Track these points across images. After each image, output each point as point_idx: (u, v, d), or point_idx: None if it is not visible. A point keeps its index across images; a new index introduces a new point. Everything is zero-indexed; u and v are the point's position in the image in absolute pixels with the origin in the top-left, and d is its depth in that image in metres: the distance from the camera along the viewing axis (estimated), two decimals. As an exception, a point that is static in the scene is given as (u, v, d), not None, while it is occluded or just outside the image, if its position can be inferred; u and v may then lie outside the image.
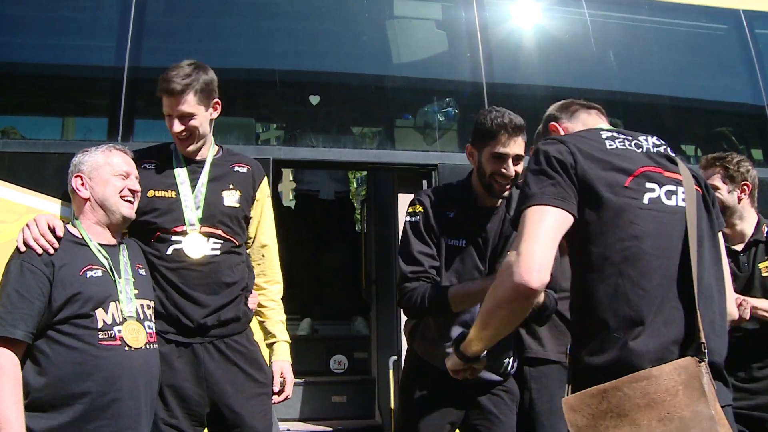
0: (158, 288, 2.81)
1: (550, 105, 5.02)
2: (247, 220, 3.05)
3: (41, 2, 4.48)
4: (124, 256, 2.68)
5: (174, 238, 2.84)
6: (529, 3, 5.15)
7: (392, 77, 4.96)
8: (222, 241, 2.91)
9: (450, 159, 4.38)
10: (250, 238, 3.11)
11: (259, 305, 3.13)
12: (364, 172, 8.86)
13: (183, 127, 2.86)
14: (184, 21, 4.64)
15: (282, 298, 3.25)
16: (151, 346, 2.64)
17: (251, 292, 3.05)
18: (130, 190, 2.69)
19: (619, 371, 1.81)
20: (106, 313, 2.51)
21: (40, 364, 2.43)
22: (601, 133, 2.12)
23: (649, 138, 2.15)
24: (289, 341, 3.19)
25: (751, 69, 5.26)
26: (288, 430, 4.79)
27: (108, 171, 2.67)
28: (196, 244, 2.85)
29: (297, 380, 3.49)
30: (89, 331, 2.47)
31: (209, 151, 3.01)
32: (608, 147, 2.05)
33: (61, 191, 3.75)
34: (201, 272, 2.85)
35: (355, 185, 15.76)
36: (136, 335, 2.56)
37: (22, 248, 2.47)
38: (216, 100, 2.95)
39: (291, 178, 7.38)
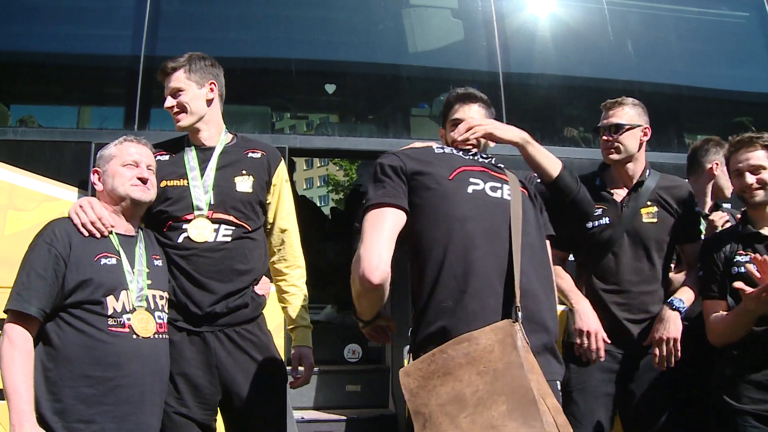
0: (171, 277, 2.83)
1: (566, 94, 5.01)
2: (263, 205, 3.04)
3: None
4: (140, 247, 2.72)
5: (185, 226, 2.87)
6: (545, -9, 5.11)
7: (408, 66, 4.94)
8: (233, 227, 2.91)
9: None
10: (270, 223, 3.10)
11: (281, 291, 3.14)
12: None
13: (174, 102, 2.95)
14: (200, 9, 4.65)
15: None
16: (161, 336, 2.67)
17: (261, 278, 3.04)
18: (139, 178, 2.72)
19: (447, 337, 2.08)
20: (117, 300, 2.56)
21: (52, 345, 2.49)
22: (432, 144, 2.50)
23: (478, 154, 2.53)
24: (311, 327, 3.17)
25: (773, 57, 5.20)
26: (303, 418, 4.82)
27: (117, 162, 2.72)
28: (199, 229, 2.87)
29: (311, 368, 3.48)
30: (99, 317, 2.52)
31: (220, 138, 3.03)
32: (436, 152, 2.40)
33: (78, 179, 3.79)
34: (212, 259, 2.86)
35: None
36: (146, 324, 2.60)
37: (82, 230, 2.59)
38: (211, 80, 3.00)
39: (305, 168, 7.39)
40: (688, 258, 3.37)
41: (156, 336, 2.64)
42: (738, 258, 3.07)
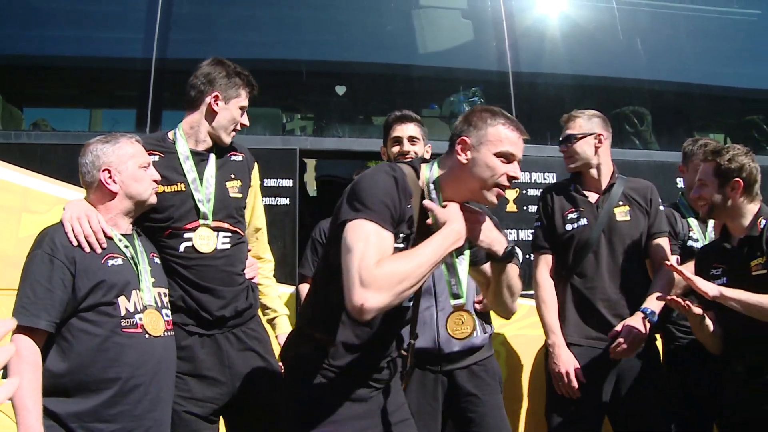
0: (175, 283, 2.83)
1: (576, 93, 5.00)
2: (245, 207, 3.08)
3: (70, -5, 4.55)
4: (139, 245, 2.68)
5: (186, 234, 2.86)
6: (555, -9, 5.11)
7: (418, 67, 4.95)
8: (230, 234, 2.94)
9: (476, 149, 4.37)
10: (247, 223, 3.14)
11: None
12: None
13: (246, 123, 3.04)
14: (211, 12, 4.67)
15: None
16: (169, 333, 2.66)
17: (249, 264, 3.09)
18: (155, 181, 2.72)
19: None
20: (128, 300, 2.53)
21: (63, 351, 2.45)
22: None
23: None
24: (288, 314, 3.28)
25: (784, 55, 5.17)
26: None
27: (135, 163, 2.66)
28: (204, 239, 2.87)
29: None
30: (112, 319, 2.49)
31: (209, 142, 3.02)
32: None
33: (91, 182, 3.81)
34: (214, 267, 2.88)
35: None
36: (156, 323, 2.58)
37: (74, 242, 2.49)
38: None
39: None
40: (655, 255, 3.44)
41: (165, 333, 2.63)
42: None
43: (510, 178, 2.28)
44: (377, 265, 1.94)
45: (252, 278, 3.05)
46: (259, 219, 3.22)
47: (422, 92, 4.91)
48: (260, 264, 3.20)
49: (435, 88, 4.93)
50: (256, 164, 3.18)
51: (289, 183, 4.05)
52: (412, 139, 3.49)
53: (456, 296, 2.41)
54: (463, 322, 2.49)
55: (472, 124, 2.30)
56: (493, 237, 2.32)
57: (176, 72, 4.26)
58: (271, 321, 3.23)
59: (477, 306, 3.35)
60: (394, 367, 2.48)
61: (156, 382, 2.56)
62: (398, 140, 3.50)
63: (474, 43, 4.94)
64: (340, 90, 4.90)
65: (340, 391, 2.27)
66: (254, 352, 2.96)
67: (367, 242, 2.00)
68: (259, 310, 3.17)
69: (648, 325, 3.20)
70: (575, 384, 3.25)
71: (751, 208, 3.06)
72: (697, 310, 2.94)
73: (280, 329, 3.20)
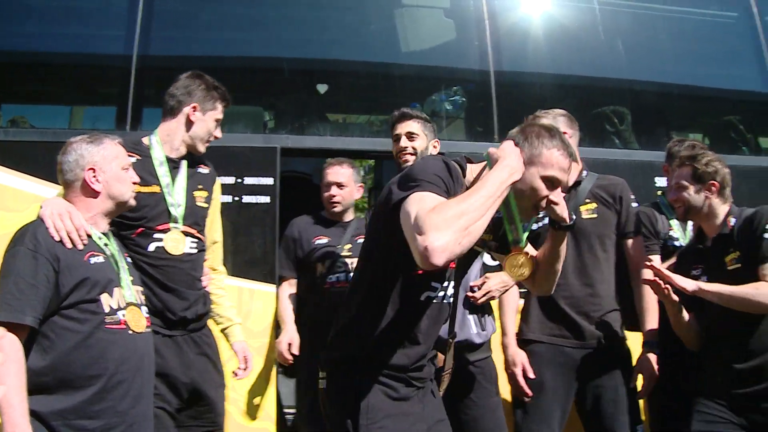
0: (141, 282, 2.84)
1: (558, 93, 5.02)
2: (207, 217, 3.21)
3: (50, -9, 4.51)
4: (114, 244, 2.69)
5: (156, 235, 2.96)
6: (537, -9, 5.14)
7: (400, 65, 4.96)
8: (197, 240, 3.08)
9: (457, 147, 4.38)
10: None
11: (210, 293, 3.28)
12: (372, 161, 8.86)
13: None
14: (193, 9, 4.65)
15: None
16: (148, 330, 2.68)
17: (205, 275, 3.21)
18: (134, 182, 2.72)
19: None
20: (111, 297, 2.53)
21: (44, 349, 2.42)
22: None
23: None
24: (241, 323, 3.41)
25: (761, 57, 5.23)
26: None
27: (118, 164, 2.65)
28: (176, 242, 2.99)
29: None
30: (96, 316, 2.48)
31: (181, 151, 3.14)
32: None
33: (71, 180, 3.78)
34: (182, 269, 3.01)
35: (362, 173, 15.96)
36: (138, 320, 2.60)
37: (56, 237, 2.47)
38: None
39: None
40: (629, 255, 3.45)
41: (146, 330, 2.65)
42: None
43: (550, 203, 2.25)
44: (431, 210, 1.89)
45: (205, 287, 3.16)
46: (217, 232, 3.33)
47: (404, 91, 4.92)
48: (213, 275, 3.29)
49: (417, 86, 4.94)
50: (218, 179, 3.30)
51: (269, 181, 4.06)
52: (410, 135, 3.49)
53: (516, 242, 2.33)
54: (521, 264, 2.46)
55: (528, 140, 2.22)
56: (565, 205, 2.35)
57: (157, 69, 4.25)
58: (224, 330, 3.33)
59: (471, 298, 3.36)
60: (432, 366, 2.47)
61: (139, 378, 2.57)
62: (398, 138, 3.53)
63: (456, 42, 4.96)
64: (322, 88, 4.90)
65: (385, 390, 2.26)
66: (207, 357, 3.09)
67: (421, 202, 1.95)
68: (212, 320, 3.26)
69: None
70: (521, 381, 3.31)
71: (723, 209, 3.20)
72: (675, 297, 3.02)
73: (234, 337, 3.32)
